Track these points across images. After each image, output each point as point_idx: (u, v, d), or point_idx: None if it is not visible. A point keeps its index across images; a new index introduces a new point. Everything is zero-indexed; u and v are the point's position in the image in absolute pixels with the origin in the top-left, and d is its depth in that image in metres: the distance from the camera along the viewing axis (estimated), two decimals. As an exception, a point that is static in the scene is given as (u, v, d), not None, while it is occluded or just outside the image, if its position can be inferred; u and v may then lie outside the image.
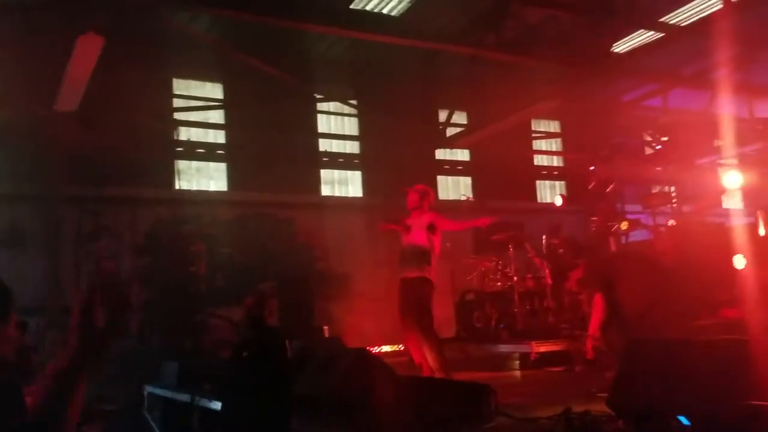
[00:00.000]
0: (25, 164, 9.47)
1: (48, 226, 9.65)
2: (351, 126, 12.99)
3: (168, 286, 9.02)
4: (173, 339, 8.13)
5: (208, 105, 11.55)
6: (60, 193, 9.72)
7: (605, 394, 4.10)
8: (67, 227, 9.81)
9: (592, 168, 9.84)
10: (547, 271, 8.34)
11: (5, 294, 1.45)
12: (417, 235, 6.20)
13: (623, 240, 9.13)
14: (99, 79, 8.20)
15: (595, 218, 9.22)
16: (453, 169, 13.83)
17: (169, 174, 10.73)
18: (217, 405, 5.37)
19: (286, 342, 4.39)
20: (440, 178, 13.50)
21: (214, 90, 11.76)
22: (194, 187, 11.15)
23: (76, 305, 1.18)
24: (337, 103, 12.49)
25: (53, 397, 1.18)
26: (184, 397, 6.19)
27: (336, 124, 12.91)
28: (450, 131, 12.53)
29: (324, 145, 12.65)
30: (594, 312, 5.90)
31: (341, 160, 12.82)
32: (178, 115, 11.29)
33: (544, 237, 8.59)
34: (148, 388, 6.04)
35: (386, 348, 9.05)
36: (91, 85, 8.28)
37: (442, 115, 12.93)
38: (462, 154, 13.81)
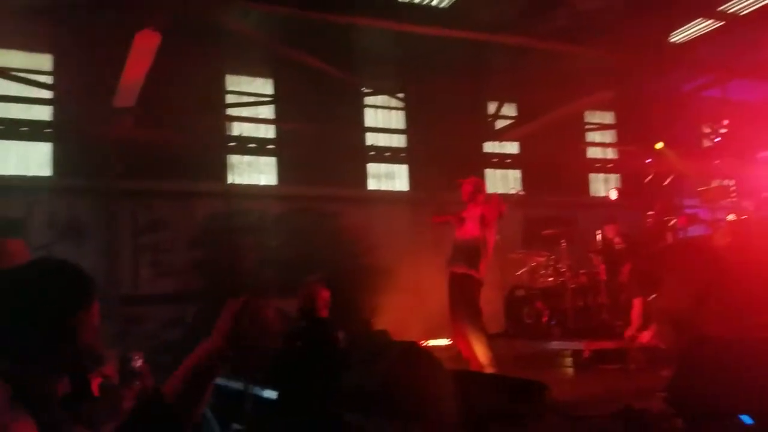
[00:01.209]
0: (85, 159, 9.80)
1: (106, 219, 9.97)
2: (398, 120, 12.97)
3: (220, 277, 9.23)
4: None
5: (259, 101, 11.71)
6: (117, 187, 10.03)
7: (663, 393, 3.99)
8: (124, 220, 10.14)
9: (648, 161, 9.58)
10: (601, 266, 8.16)
11: (88, 283, 1.47)
12: (470, 228, 6.13)
13: (681, 235, 8.85)
14: (155, 76, 8.41)
15: (652, 213, 8.97)
16: (502, 162, 13.65)
17: (222, 168, 10.93)
18: (269, 393, 5.46)
19: (339, 333, 4.43)
20: (488, 172, 13.35)
21: (265, 86, 11.92)
22: (245, 182, 11.33)
23: (229, 309, 1.22)
24: (385, 97, 12.48)
25: (190, 388, 1.20)
26: (237, 385, 6.33)
27: (383, 117, 12.92)
28: (499, 123, 12.37)
29: (371, 139, 12.68)
30: (632, 315, 5.81)
31: (388, 153, 12.82)
32: (230, 111, 11.50)
33: (598, 232, 8.40)
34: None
35: (432, 342, 9.02)
36: (148, 81, 8.50)
37: (491, 107, 12.76)
38: (511, 147, 13.61)
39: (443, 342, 8.80)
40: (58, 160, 10.11)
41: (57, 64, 10.24)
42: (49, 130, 10.25)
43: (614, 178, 14.69)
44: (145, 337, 9.24)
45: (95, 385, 1.91)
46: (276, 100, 11.81)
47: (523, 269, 9.10)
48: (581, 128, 14.21)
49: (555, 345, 7.82)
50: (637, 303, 5.76)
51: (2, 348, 0.99)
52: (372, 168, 12.65)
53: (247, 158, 11.63)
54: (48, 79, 10.14)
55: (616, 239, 8.31)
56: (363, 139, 12.55)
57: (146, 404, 1.21)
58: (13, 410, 0.95)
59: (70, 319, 1.38)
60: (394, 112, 12.88)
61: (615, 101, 12.90)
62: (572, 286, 8.29)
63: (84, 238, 9.92)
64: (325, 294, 4.61)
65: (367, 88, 12.30)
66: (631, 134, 13.90)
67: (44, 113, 10.30)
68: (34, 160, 10.14)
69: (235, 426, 6.57)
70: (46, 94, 10.11)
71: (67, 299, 1.40)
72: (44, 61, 10.30)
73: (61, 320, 1.36)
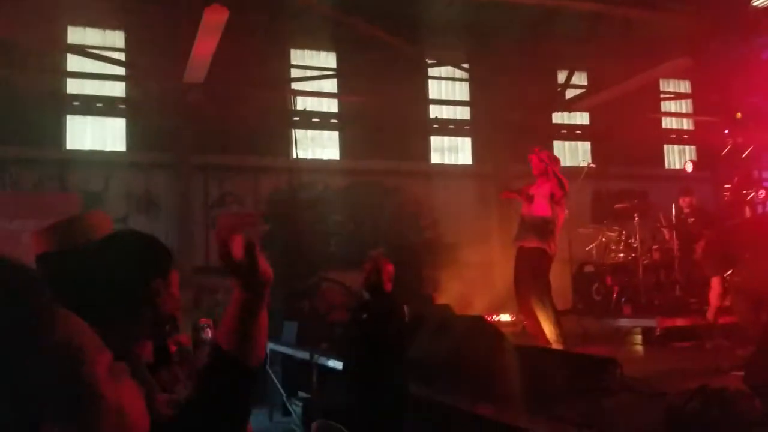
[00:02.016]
0: (158, 134, 10.11)
1: (179, 192, 10.30)
2: (462, 91, 12.76)
3: (286, 250, 9.41)
4: (292, 300, 8.49)
5: (323, 74, 11.74)
6: (189, 162, 10.32)
7: (739, 372, 3.82)
8: (196, 194, 10.45)
9: (726, 131, 9.11)
10: (675, 241, 7.84)
11: (166, 253, 1.53)
12: (539, 205, 5.96)
13: (759, 210, 8.39)
14: (223, 51, 8.54)
15: (729, 186, 8.54)
16: (571, 133, 13.25)
17: (287, 143, 11.08)
18: (334, 363, 5.56)
19: (404, 307, 4.43)
20: (557, 144, 12.99)
21: (328, 59, 11.93)
22: (309, 156, 11.44)
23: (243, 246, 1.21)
24: (449, 68, 12.27)
25: (241, 323, 1.22)
26: (303, 355, 6.47)
27: (447, 89, 12.73)
28: (569, 93, 11.98)
29: (434, 111, 12.53)
30: (711, 297, 5.55)
31: (451, 126, 12.66)
32: (294, 85, 11.59)
33: (673, 205, 8.06)
34: (270, 345, 6.35)
35: (495, 317, 8.94)
36: (216, 57, 8.65)
37: (561, 77, 12.36)
38: (581, 118, 13.19)
39: (507, 317, 8.71)
40: (132, 135, 10.48)
41: (129, 41, 10.55)
42: (122, 106, 10.62)
43: (690, 150, 14.06)
44: (217, 305, 9.55)
45: (173, 351, 1.97)
46: (339, 73, 11.82)
47: (593, 244, 8.84)
48: (656, 98, 13.62)
49: (625, 322, 7.59)
50: (715, 283, 5.49)
51: (92, 316, 1.02)
52: (435, 141, 12.53)
53: (310, 133, 11.73)
54: (121, 56, 10.47)
55: (691, 213, 7.95)
56: (426, 112, 12.42)
57: (210, 359, 1.23)
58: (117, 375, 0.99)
59: (150, 287, 1.43)
60: (458, 83, 12.67)
61: (692, 69, 12.24)
62: (644, 261, 8.00)
63: (158, 210, 10.30)
64: (390, 267, 4.61)
65: (430, 59, 12.11)
66: (709, 104, 13.21)
67: (118, 89, 10.67)
68: (109, 135, 10.55)
69: (302, 394, 6.75)
70: (120, 70, 10.45)
71: (147, 267, 1.46)
72: (117, 38, 10.64)
73: (141, 287, 1.42)
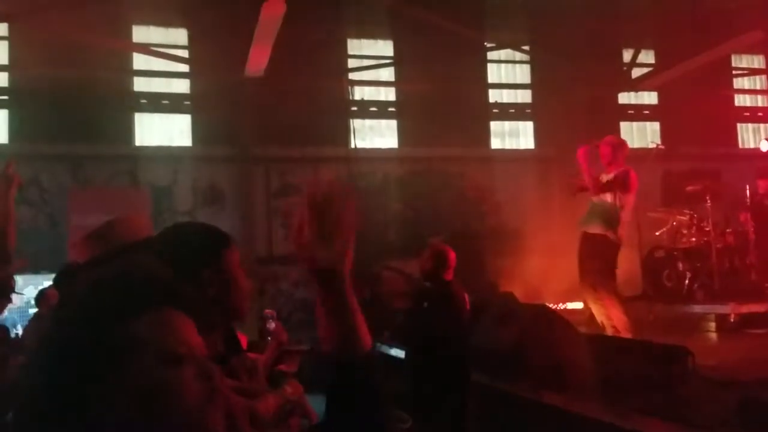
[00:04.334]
0: (222, 128, 10.36)
1: (241, 184, 10.54)
2: (523, 74, 12.49)
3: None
4: (353, 288, 8.55)
5: (380, 63, 11.73)
6: (251, 154, 10.54)
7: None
8: (259, 185, 10.67)
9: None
10: (750, 224, 7.47)
11: (226, 239, 1.55)
12: (606, 191, 5.79)
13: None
14: (281, 44, 8.65)
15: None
16: (638, 113, 12.80)
17: (346, 133, 11.14)
18: (395, 351, 5.58)
19: (465, 295, 4.40)
20: (624, 125, 12.56)
21: (385, 47, 11.91)
22: (368, 145, 11.48)
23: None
24: (509, 51, 12.03)
25: (337, 321, 1.18)
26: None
27: (507, 72, 12.49)
28: (636, 72, 11.54)
29: (494, 95, 12.33)
30: None
31: (512, 110, 12.43)
32: (352, 75, 11.63)
33: (747, 186, 7.67)
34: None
35: (562, 305, 8.76)
36: (275, 49, 8.77)
37: (627, 55, 11.92)
38: (649, 97, 12.71)
39: (574, 305, 8.52)
40: (196, 130, 10.78)
41: (191, 38, 10.83)
42: (187, 102, 10.93)
43: (765, 128, 13.34)
44: (280, 295, 9.74)
45: (243, 340, 2.01)
46: (396, 61, 11.78)
47: (664, 228, 8.51)
48: (728, 74, 12.98)
49: (698, 309, 7.31)
50: None
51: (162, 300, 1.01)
52: (495, 126, 12.34)
53: (369, 122, 11.76)
54: (184, 53, 10.76)
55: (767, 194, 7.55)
56: (486, 96, 12.24)
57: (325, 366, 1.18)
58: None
59: (211, 270, 1.45)
60: (518, 66, 12.42)
61: (765, 43, 11.58)
62: (718, 245, 7.65)
63: (223, 202, 10.58)
64: (451, 255, 4.57)
65: (489, 42, 11.89)
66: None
67: (182, 86, 10.98)
68: (176, 130, 10.89)
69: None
70: (183, 67, 10.75)
71: (205, 250, 1.48)
72: (180, 35, 10.94)
73: (202, 270, 1.43)
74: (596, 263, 5.76)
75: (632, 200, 5.84)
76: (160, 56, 10.35)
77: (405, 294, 7.82)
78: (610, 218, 5.73)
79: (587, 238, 5.87)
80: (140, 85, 10.79)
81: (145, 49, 10.46)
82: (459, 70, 11.36)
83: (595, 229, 5.79)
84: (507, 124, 12.45)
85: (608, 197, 5.79)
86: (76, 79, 9.72)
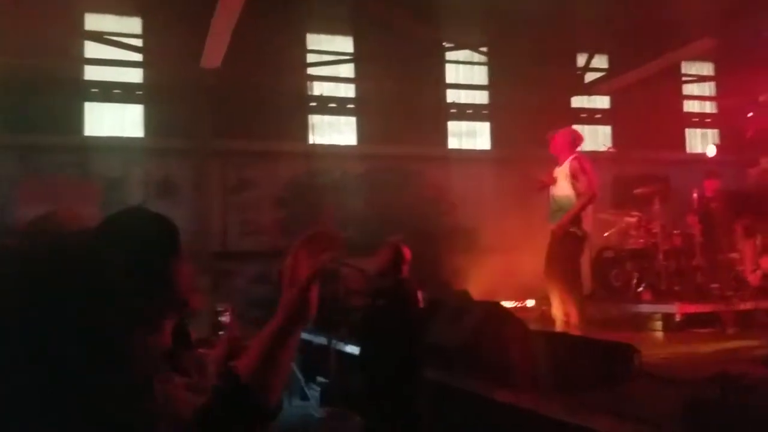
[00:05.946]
0: (175, 120, 10.14)
1: (196, 178, 10.35)
2: (480, 75, 12.62)
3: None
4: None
5: (340, 59, 11.68)
6: (207, 147, 10.35)
7: (762, 358, 3.76)
8: (214, 179, 10.49)
9: (750, 115, 8.92)
10: (697, 226, 7.71)
11: (175, 230, 1.50)
12: (564, 185, 5.84)
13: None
14: (239, 37, 8.52)
15: (753, 170, 8.37)
16: (591, 117, 13.06)
17: (304, 128, 11.05)
18: (351, 348, 5.57)
19: (419, 293, 4.42)
20: (576, 128, 12.74)
21: (345, 43, 11.86)
22: (326, 142, 11.42)
23: (308, 276, 1.18)
24: (467, 52, 12.14)
25: (267, 356, 1.17)
26: (321, 340, 6.50)
27: (465, 73, 12.60)
28: (589, 77, 11.79)
29: (452, 96, 12.42)
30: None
31: (470, 111, 12.54)
32: (311, 70, 11.54)
33: (695, 190, 7.92)
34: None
35: (512, 303, 8.87)
36: (232, 42, 8.63)
37: (581, 60, 12.17)
38: (601, 101, 12.99)
39: (527, 303, 8.66)
40: (150, 121, 10.53)
41: (146, 27, 10.57)
42: (140, 92, 10.66)
43: (713, 133, 13.80)
44: (235, 291, 9.60)
45: (192, 335, 1.96)
46: (356, 58, 11.75)
47: (613, 230, 8.73)
48: (678, 80, 13.36)
49: (645, 308, 7.50)
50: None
51: (104, 302, 0.97)
52: (453, 126, 12.42)
53: (327, 118, 11.70)
54: (138, 42, 10.50)
55: (715, 197, 7.81)
56: (444, 97, 12.32)
57: (223, 386, 1.17)
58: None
59: (163, 263, 1.40)
60: (476, 67, 12.53)
61: (716, 51, 12.00)
62: (665, 247, 7.87)
63: (176, 196, 10.36)
64: (407, 253, 4.58)
65: (448, 42, 11.98)
66: (732, 86, 12.95)
67: (136, 76, 10.71)
68: (128, 121, 10.61)
69: (320, 379, 6.78)
70: (137, 56, 10.48)
71: (155, 245, 1.42)
72: (134, 24, 10.66)
73: (153, 264, 1.38)
74: (560, 258, 5.79)
75: (589, 182, 5.79)
76: (112, 45, 10.07)
77: (362, 291, 7.81)
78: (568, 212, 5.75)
79: (552, 234, 5.88)
80: (91, 73, 10.48)
81: (98, 37, 10.16)
82: (418, 69, 11.40)
83: (560, 224, 5.80)
84: (464, 125, 12.56)
85: (564, 191, 5.83)
86: (25, 67, 9.39)
